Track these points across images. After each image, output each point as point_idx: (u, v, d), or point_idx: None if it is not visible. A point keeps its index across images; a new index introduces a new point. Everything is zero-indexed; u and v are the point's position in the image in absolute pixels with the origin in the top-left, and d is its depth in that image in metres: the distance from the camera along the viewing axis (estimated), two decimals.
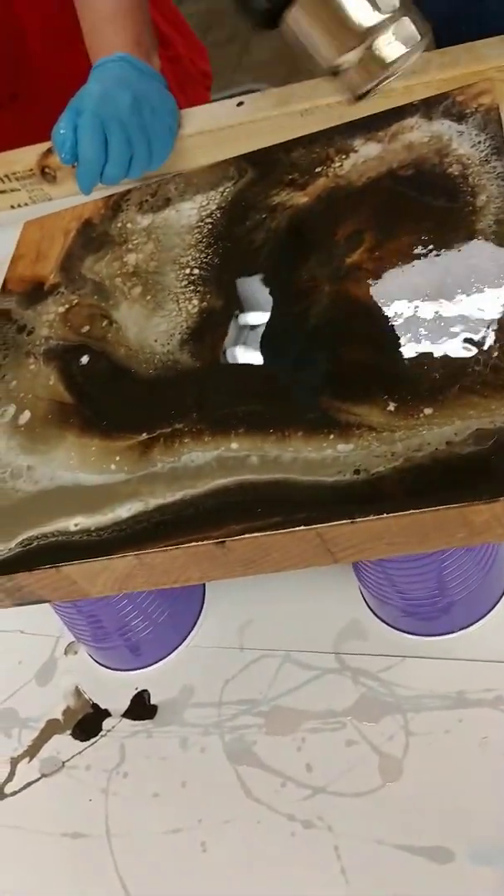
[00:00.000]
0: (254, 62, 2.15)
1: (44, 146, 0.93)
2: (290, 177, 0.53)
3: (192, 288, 0.51)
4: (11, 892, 0.50)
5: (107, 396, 0.48)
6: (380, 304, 0.44)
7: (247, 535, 0.39)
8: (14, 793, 0.53)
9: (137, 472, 0.43)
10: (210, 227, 0.54)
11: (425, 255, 0.45)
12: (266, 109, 0.81)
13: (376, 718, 0.48)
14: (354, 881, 0.44)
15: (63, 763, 0.53)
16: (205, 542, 0.39)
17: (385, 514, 0.36)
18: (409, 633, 0.50)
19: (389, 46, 0.46)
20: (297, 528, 0.38)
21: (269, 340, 0.46)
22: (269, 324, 0.46)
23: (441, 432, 0.38)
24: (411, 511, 0.36)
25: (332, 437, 0.40)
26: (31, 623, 0.60)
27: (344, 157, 0.52)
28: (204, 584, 0.57)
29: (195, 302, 0.50)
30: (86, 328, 0.52)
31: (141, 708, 0.54)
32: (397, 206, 0.48)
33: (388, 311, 0.43)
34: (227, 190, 0.55)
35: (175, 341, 0.48)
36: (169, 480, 0.42)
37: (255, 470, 0.40)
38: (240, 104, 0.83)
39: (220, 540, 0.39)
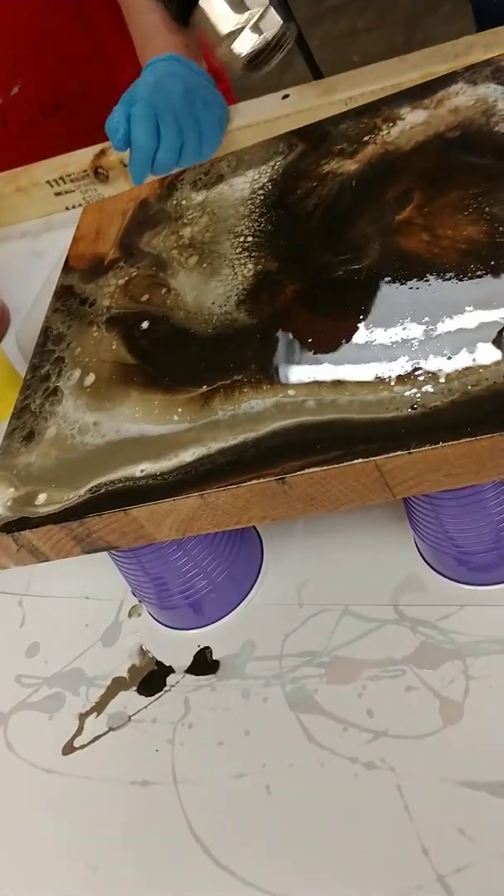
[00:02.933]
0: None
1: (97, 148, 0.96)
2: (339, 147, 0.55)
3: (246, 254, 0.53)
4: (84, 838, 0.51)
5: (168, 356, 0.50)
6: (431, 254, 0.45)
7: (306, 471, 0.40)
8: (83, 746, 0.55)
9: (199, 420, 0.45)
10: (262, 197, 0.56)
11: (474, 209, 0.46)
12: (311, 100, 0.83)
13: (436, 665, 0.49)
14: (417, 817, 0.44)
15: (129, 717, 0.55)
16: (266, 480, 0.41)
17: (442, 444, 0.37)
18: (465, 583, 0.51)
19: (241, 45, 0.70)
20: (356, 461, 0.39)
21: (322, 293, 0.47)
22: (322, 278, 0.48)
23: (498, 369, 0.39)
24: (468, 439, 0.37)
25: (386, 380, 0.41)
26: (96, 590, 0.62)
27: (391, 124, 0.54)
28: (262, 546, 0.58)
29: (250, 266, 0.52)
30: (145, 297, 0.55)
31: (203, 663, 0.55)
32: (445, 166, 0.49)
33: (439, 260, 0.44)
34: (278, 163, 0.57)
35: (232, 302, 0.50)
36: (230, 426, 0.44)
37: (312, 412, 0.42)
38: (285, 97, 0.86)
39: (280, 476, 0.41)
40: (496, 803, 0.43)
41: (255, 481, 0.41)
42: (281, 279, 0.50)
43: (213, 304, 0.51)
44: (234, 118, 0.87)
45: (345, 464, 0.39)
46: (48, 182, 0.98)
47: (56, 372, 0.54)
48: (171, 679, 0.56)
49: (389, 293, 0.45)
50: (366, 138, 0.55)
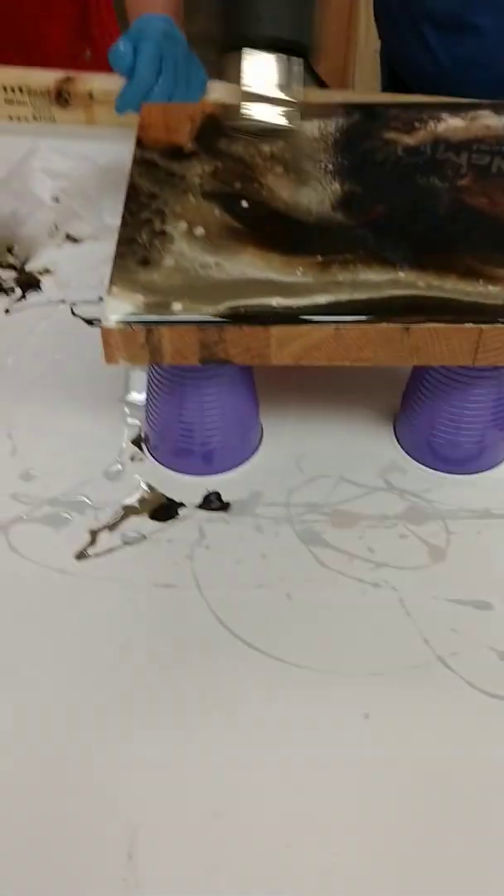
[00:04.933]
0: None
1: (66, 74, 1.02)
2: (394, 124, 0.70)
3: (329, 176, 0.65)
4: (112, 623, 0.57)
5: (277, 229, 0.60)
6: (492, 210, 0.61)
7: (428, 325, 0.53)
8: (97, 554, 0.60)
9: (323, 279, 0.56)
10: (333, 141, 0.69)
11: None
12: None
13: (421, 522, 0.63)
14: (418, 620, 0.57)
15: (145, 536, 0.62)
16: (395, 325, 0.53)
17: None
18: (441, 471, 0.66)
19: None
20: (467, 325, 0.53)
21: (408, 216, 0.61)
22: (405, 207, 0.62)
23: None
24: None
25: (480, 281, 0.56)
26: (88, 437, 0.68)
27: (436, 121, 0.70)
28: (261, 422, 0.68)
29: (336, 185, 0.64)
30: (238, 185, 0.64)
31: (215, 502, 0.64)
32: (487, 159, 0.66)
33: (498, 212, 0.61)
34: (340, 122, 0.71)
35: (326, 206, 0.62)
36: (353, 287, 0.55)
37: (424, 290, 0.55)
38: None
39: (406, 325, 0.53)
40: (479, 614, 0.58)
41: (385, 324, 0.53)
42: (367, 199, 0.63)
43: (309, 203, 0.62)
44: (212, 92, 0.98)
45: (457, 325, 0.53)
46: (4, 87, 1.01)
47: (159, 219, 0.61)
48: (183, 512, 0.63)
49: (465, 221, 0.60)
50: (416, 124, 0.70)
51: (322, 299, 0.55)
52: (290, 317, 0.54)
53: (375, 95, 0.98)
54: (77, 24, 1.20)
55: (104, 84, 0.98)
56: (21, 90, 1.01)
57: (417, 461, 0.66)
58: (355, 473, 0.66)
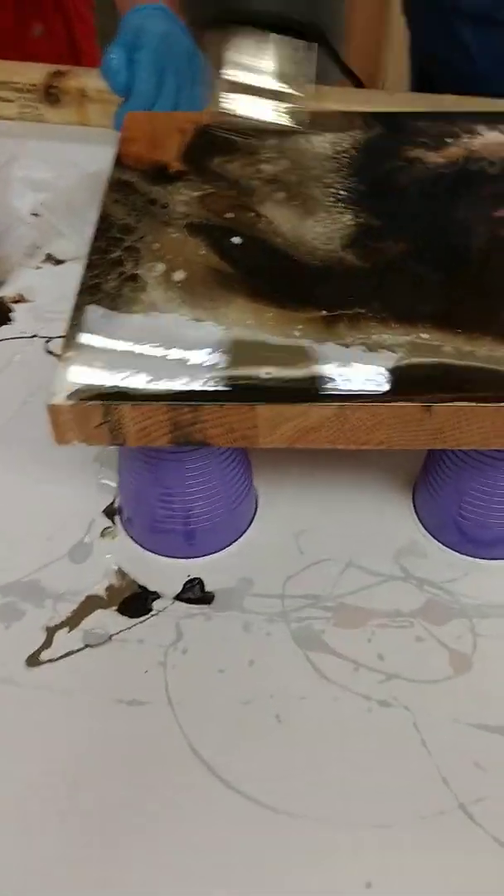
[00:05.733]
0: None
1: (56, 67, 0.92)
2: (421, 139, 0.59)
3: (341, 205, 0.54)
4: (61, 754, 0.47)
5: (273, 274, 0.50)
6: None
7: (456, 403, 0.43)
8: (53, 660, 0.51)
9: (327, 341, 0.46)
10: (348, 160, 0.58)
11: None
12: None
13: (443, 621, 0.52)
14: (435, 751, 0.47)
15: (111, 636, 0.52)
16: (413, 404, 0.43)
17: None
18: (468, 555, 0.55)
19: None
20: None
21: (436, 257, 0.50)
22: (432, 245, 0.51)
23: None
24: None
25: None
26: (57, 506, 0.58)
27: (471, 136, 0.60)
28: (255, 490, 0.58)
29: (349, 216, 0.54)
30: (230, 214, 0.54)
31: (196, 593, 0.54)
32: None
33: None
34: (359, 135, 0.60)
35: (336, 243, 0.52)
36: (364, 353, 0.45)
37: (451, 357, 0.45)
38: None
39: (428, 404, 0.43)
40: None
41: (401, 403, 0.43)
42: (385, 235, 0.52)
43: (315, 240, 0.52)
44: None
45: (493, 404, 0.42)
46: None
47: (131, 260, 0.51)
48: (158, 604, 0.53)
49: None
50: (447, 140, 0.59)
51: (322, 371, 0.44)
52: (283, 393, 0.43)
53: (400, 98, 0.87)
54: None
55: (99, 81, 0.88)
56: (5, 86, 0.92)
57: (442, 543, 0.56)
58: (366, 557, 0.55)
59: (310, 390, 0.43)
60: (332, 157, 0.58)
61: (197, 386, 0.44)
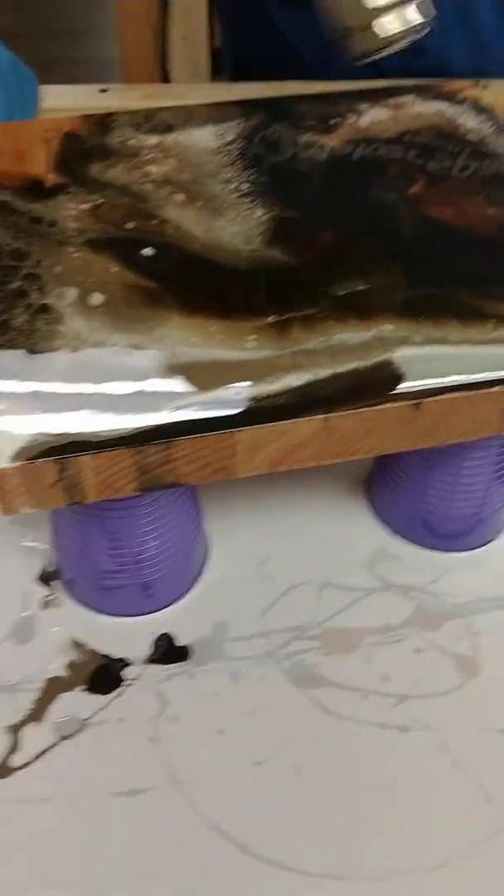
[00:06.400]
0: None
1: None
2: (308, 122, 0.56)
3: (248, 200, 0.50)
4: (74, 871, 0.40)
5: (201, 283, 0.44)
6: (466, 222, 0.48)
7: (446, 395, 0.39)
8: (26, 764, 0.43)
9: (287, 349, 0.41)
10: (238, 153, 0.53)
11: (485, 196, 0.50)
12: (132, 100, 0.81)
13: (437, 626, 0.49)
14: (471, 768, 0.44)
15: (85, 721, 0.45)
16: (402, 403, 0.39)
17: None
18: (443, 551, 0.52)
19: (389, 24, 0.58)
20: (495, 389, 0.39)
21: (373, 246, 0.47)
22: (358, 230, 0.48)
23: None
24: None
25: (490, 324, 0.42)
26: None
27: (356, 115, 0.56)
28: (202, 525, 0.53)
29: (260, 212, 0.49)
30: (130, 224, 0.48)
31: (168, 651, 0.48)
32: (435, 159, 0.53)
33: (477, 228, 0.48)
34: (241, 124, 0.55)
35: (258, 242, 0.47)
36: (331, 355, 0.41)
37: (422, 345, 0.41)
38: (103, 91, 0.83)
39: (417, 401, 0.39)
40: None
41: (389, 404, 0.39)
42: (306, 227, 0.48)
43: (234, 240, 0.47)
44: (46, 99, 0.81)
45: (484, 390, 0.39)
46: None
47: (35, 289, 0.44)
48: (129, 672, 0.47)
49: (438, 242, 0.47)
50: (332, 121, 0.56)
51: (295, 380, 0.40)
52: (261, 413, 0.38)
53: (242, 89, 0.83)
54: None
55: None
56: None
57: (411, 542, 0.53)
58: (339, 573, 0.51)
59: (291, 405, 0.38)
60: (221, 151, 0.53)
61: (162, 420, 0.38)
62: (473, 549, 0.52)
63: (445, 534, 0.52)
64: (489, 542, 0.53)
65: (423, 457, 0.49)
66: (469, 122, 0.56)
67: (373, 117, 0.56)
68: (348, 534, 0.53)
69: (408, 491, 0.52)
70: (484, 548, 0.52)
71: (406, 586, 0.51)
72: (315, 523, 0.54)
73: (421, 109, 0.57)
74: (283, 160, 0.53)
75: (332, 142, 0.54)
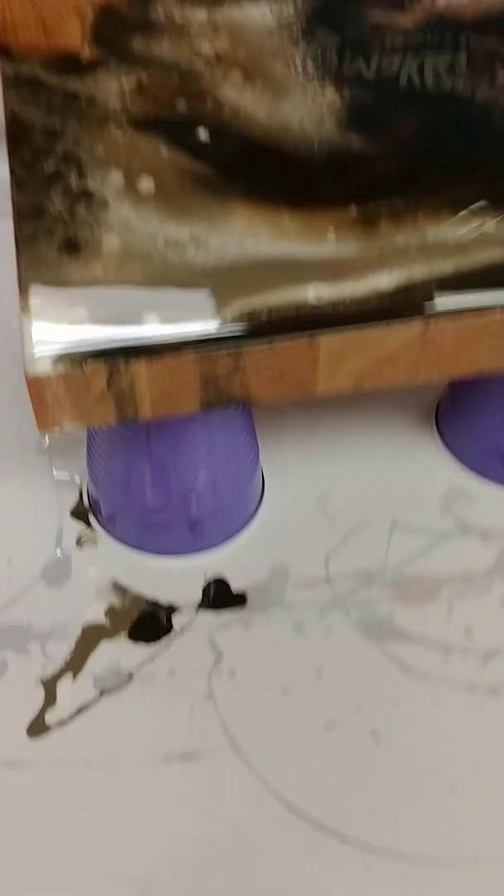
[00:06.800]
0: None
1: None
2: (376, 1, 0.48)
3: (317, 81, 0.43)
4: (124, 849, 0.35)
5: (266, 170, 0.38)
6: None
7: None
8: (63, 722, 0.38)
9: (373, 245, 0.34)
10: (300, 31, 0.46)
11: None
12: None
13: None
14: None
15: (130, 674, 0.39)
16: None
17: None
18: None
19: None
20: None
21: (465, 136, 0.40)
22: (453, 121, 0.41)
23: None
24: None
25: None
26: (10, 516, 0.45)
27: None
28: (257, 457, 0.47)
29: (330, 92, 0.42)
30: (182, 104, 0.41)
31: (223, 596, 0.42)
32: None
33: None
34: (300, 2, 0.48)
35: (331, 126, 0.40)
36: (425, 253, 0.34)
37: None
38: None
39: None
40: None
41: (498, 311, 0.32)
42: (386, 112, 0.41)
43: (302, 123, 0.40)
44: None
45: None
46: None
47: (74, 170, 0.37)
48: (178, 620, 0.41)
49: None
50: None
51: (385, 280, 0.33)
52: (347, 317, 0.32)
53: None
54: None
55: None
56: None
57: (489, 478, 0.47)
58: (410, 513, 0.45)
59: (383, 309, 0.32)
60: (281, 28, 0.46)
61: (230, 324, 0.31)
62: None
63: None
64: None
65: (501, 381, 0.43)
66: None
67: None
68: (418, 470, 0.47)
69: (484, 422, 0.45)
70: None
71: (487, 529, 0.45)
72: (379, 458, 0.48)
73: None
74: (351, 39, 0.46)
75: (405, 22, 0.47)
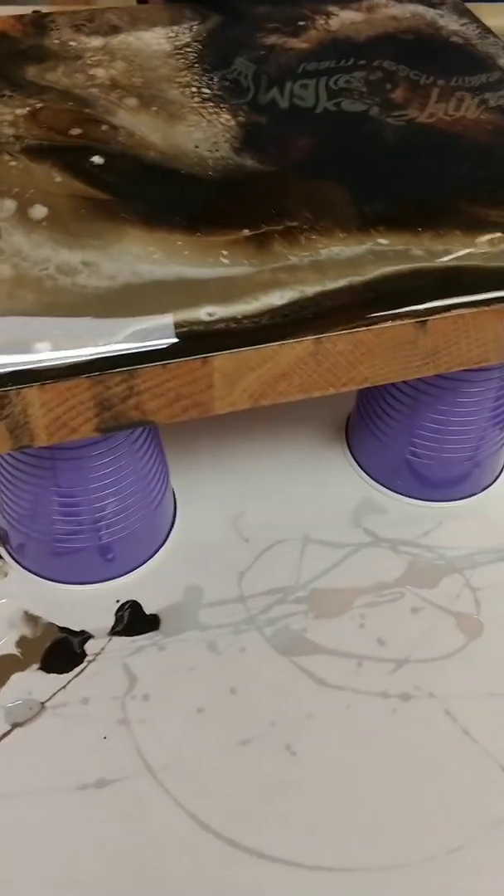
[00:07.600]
0: None
1: None
2: (272, 25, 0.50)
3: (212, 105, 0.44)
4: (40, 883, 0.34)
5: (160, 194, 0.38)
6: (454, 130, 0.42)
7: (453, 313, 0.34)
8: None
9: (267, 264, 0.35)
10: (196, 55, 0.47)
11: (481, 103, 0.45)
12: None
13: (434, 583, 0.44)
14: (481, 737, 0.39)
15: (42, 704, 0.39)
16: (405, 323, 0.33)
17: None
18: (432, 501, 0.47)
19: None
20: None
21: (356, 153, 0.41)
22: (341, 138, 0.42)
23: None
24: None
25: (499, 234, 0.37)
26: None
27: (325, 17, 0.51)
28: (168, 479, 0.47)
29: (227, 116, 0.43)
30: (76, 130, 0.41)
31: (136, 620, 0.42)
32: (416, 64, 0.47)
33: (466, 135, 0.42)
34: (195, 27, 0.49)
35: (225, 149, 0.41)
36: (319, 270, 0.35)
37: (425, 260, 0.36)
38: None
39: (422, 319, 0.34)
40: None
41: (389, 323, 0.33)
42: (280, 133, 0.42)
43: (198, 147, 0.41)
44: None
45: (496, 306, 0.34)
46: None
47: None
48: (91, 646, 0.41)
49: (428, 149, 0.41)
50: (301, 23, 0.50)
51: (278, 299, 0.34)
52: (238, 336, 0.32)
53: None
54: None
55: None
56: None
57: (398, 491, 0.48)
58: (322, 528, 0.46)
59: (275, 327, 0.33)
60: (176, 54, 0.47)
61: (123, 346, 0.32)
62: (469, 496, 0.47)
63: (433, 483, 0.47)
64: (486, 488, 0.48)
65: (413, 397, 0.44)
66: (451, 24, 0.51)
67: (343, 20, 0.51)
68: (329, 485, 0.48)
69: (393, 437, 0.46)
70: (480, 495, 0.48)
71: (397, 540, 0.46)
72: (291, 474, 0.48)
73: (395, 12, 0.51)
74: (247, 64, 0.47)
75: (301, 44, 0.48)
